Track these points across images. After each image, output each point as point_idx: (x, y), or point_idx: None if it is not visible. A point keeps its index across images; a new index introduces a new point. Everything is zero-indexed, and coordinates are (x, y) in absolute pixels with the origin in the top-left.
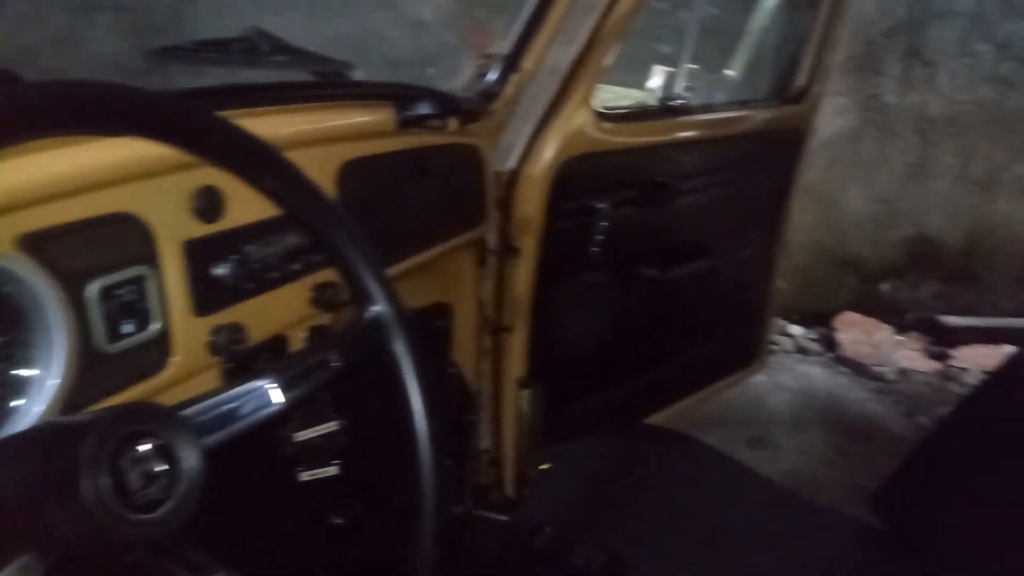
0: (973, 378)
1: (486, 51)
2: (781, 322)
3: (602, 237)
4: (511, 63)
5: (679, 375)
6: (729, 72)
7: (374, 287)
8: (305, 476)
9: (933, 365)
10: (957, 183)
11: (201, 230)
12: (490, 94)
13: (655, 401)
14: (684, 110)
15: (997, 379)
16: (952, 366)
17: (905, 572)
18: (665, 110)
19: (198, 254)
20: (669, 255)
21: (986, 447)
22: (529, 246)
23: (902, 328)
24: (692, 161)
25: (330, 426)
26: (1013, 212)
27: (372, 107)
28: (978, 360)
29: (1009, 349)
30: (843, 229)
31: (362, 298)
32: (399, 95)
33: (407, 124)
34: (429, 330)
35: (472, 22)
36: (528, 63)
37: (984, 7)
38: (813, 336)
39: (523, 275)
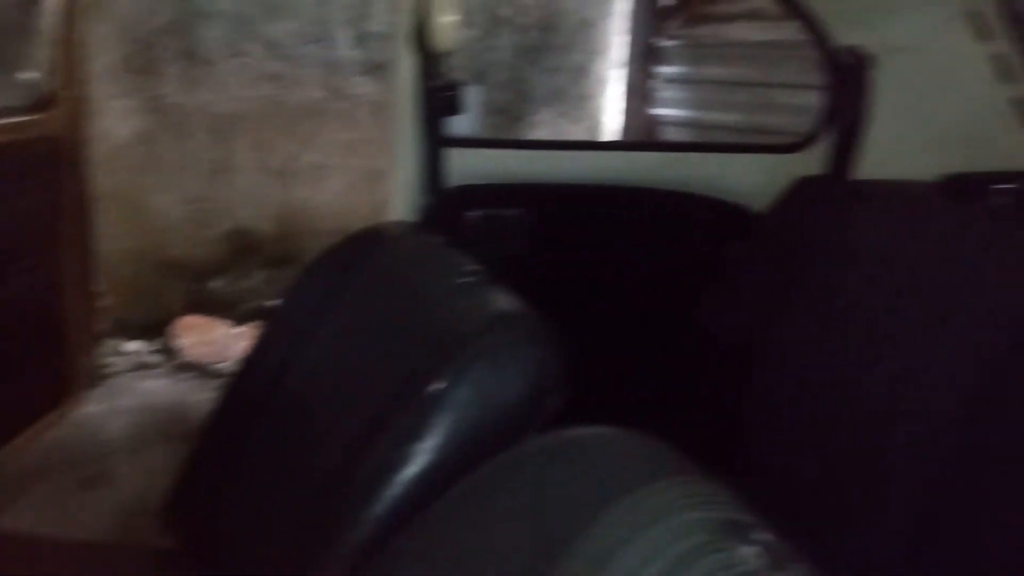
0: None
1: None
2: (115, 341)
3: None
4: None
5: None
6: (32, 74)
7: None
8: None
9: None
10: (259, 175)
11: None
12: None
13: None
14: None
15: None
16: None
17: None
18: None
19: None
20: None
21: (247, 431)
22: None
23: (239, 320)
24: None
25: None
26: (310, 196)
27: None
28: None
29: None
30: (161, 233)
31: None
32: None
33: None
34: None
35: None
36: None
37: (246, 9)
38: (153, 348)
39: None
